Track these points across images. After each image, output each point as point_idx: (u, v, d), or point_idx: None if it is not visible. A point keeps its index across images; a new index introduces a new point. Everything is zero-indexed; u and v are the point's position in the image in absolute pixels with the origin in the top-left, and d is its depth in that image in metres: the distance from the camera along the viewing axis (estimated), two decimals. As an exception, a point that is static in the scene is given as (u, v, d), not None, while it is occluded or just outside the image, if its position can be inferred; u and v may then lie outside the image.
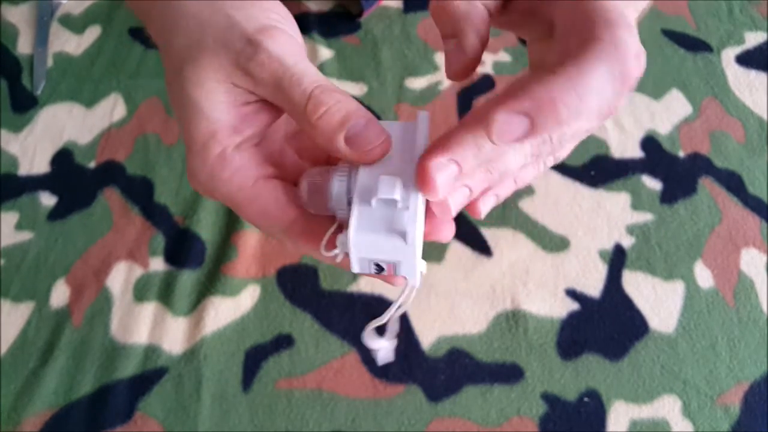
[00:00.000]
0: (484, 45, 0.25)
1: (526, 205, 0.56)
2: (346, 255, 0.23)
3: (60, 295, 0.52)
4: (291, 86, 0.22)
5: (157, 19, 0.25)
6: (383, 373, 0.50)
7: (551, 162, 0.26)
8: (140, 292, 0.52)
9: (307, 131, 0.23)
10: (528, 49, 0.29)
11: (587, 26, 0.22)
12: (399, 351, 0.50)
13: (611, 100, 0.22)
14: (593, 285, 0.53)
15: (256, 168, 0.24)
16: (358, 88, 0.62)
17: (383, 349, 0.37)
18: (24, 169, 0.58)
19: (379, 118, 0.60)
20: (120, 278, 0.52)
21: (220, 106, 0.23)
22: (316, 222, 0.24)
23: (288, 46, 0.23)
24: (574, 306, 0.52)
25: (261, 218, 0.24)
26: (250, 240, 0.54)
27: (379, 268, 0.23)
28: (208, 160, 0.23)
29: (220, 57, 0.23)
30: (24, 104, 0.61)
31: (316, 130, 0.22)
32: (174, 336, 0.50)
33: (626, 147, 0.60)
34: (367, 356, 0.50)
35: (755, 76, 0.65)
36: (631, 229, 0.56)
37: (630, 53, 0.22)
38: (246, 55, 0.23)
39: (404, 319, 0.52)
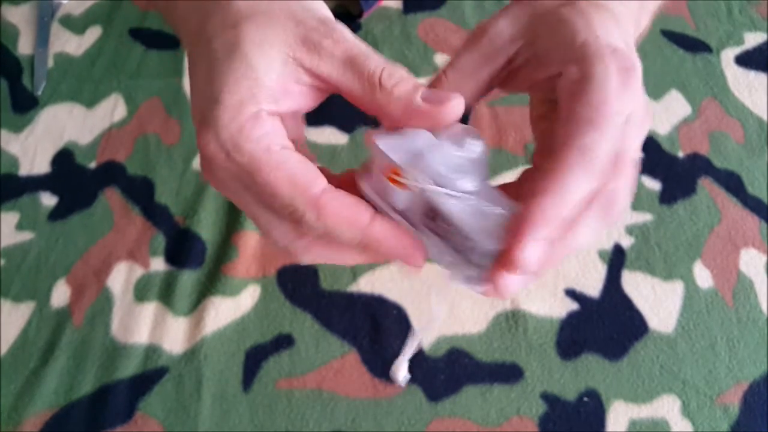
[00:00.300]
0: (476, 94, 0.28)
1: (526, 206, 0.57)
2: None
3: (60, 295, 0.52)
4: (365, 61, 0.24)
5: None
6: (383, 373, 0.50)
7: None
8: (141, 292, 0.52)
9: (379, 101, 0.24)
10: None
11: (568, 111, 0.25)
12: (399, 351, 0.51)
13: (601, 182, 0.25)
14: (593, 285, 0.53)
15: (285, 138, 0.24)
16: (358, 89, 0.62)
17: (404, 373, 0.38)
18: (24, 170, 0.58)
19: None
20: (121, 278, 0.53)
21: (271, 72, 0.23)
22: (349, 198, 0.24)
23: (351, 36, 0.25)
24: (573, 306, 0.53)
25: (286, 185, 0.23)
26: (250, 240, 0.54)
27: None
28: (241, 116, 0.23)
29: (287, 29, 0.24)
30: (24, 104, 0.61)
31: (392, 96, 0.24)
32: (174, 336, 0.50)
33: (626, 147, 0.60)
34: (366, 356, 0.50)
35: (755, 76, 0.65)
36: (630, 230, 0.56)
37: (599, 153, 0.24)
38: (320, 32, 0.24)
39: (404, 320, 0.52)
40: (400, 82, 0.24)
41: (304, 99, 0.25)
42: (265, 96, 0.23)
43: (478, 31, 0.28)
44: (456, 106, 0.24)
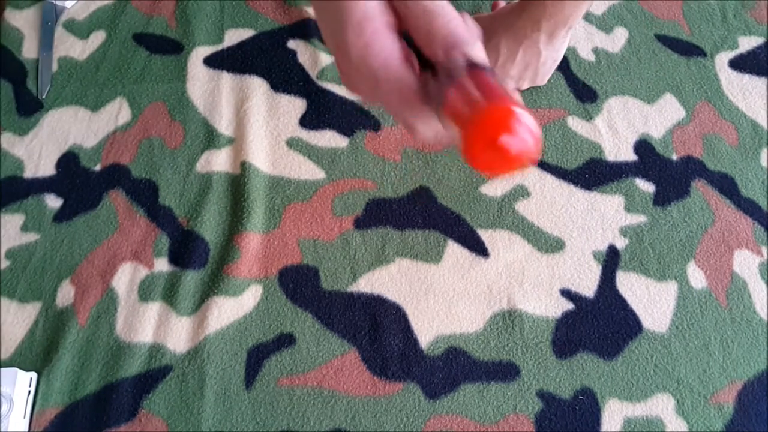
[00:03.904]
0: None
1: (522, 208, 0.57)
2: None
3: (65, 295, 0.53)
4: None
5: None
6: (382, 371, 0.50)
7: None
8: (145, 292, 0.53)
9: (435, 35, 0.29)
10: None
11: None
12: (398, 350, 0.51)
13: None
14: (587, 285, 0.54)
15: (399, 49, 0.29)
16: (357, 93, 0.63)
17: None
18: (30, 172, 0.58)
19: (378, 123, 0.61)
20: (125, 279, 0.53)
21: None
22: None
23: None
24: (568, 306, 0.53)
25: (396, 98, 0.28)
26: (252, 241, 0.54)
27: None
28: (364, 34, 0.28)
29: None
30: (29, 108, 0.62)
31: (438, 36, 0.29)
32: (178, 335, 0.51)
33: (620, 150, 0.61)
34: (366, 355, 0.51)
35: (748, 80, 0.65)
36: (624, 231, 0.57)
37: None
38: None
39: (403, 319, 0.53)
40: (436, 31, 0.29)
41: (394, 16, 0.30)
42: (377, 11, 0.28)
43: None
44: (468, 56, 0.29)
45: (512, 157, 0.24)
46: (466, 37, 0.28)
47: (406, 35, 0.31)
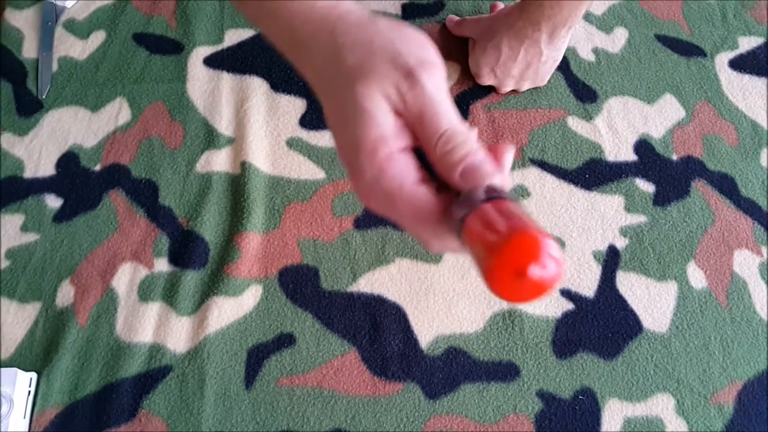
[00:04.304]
0: None
1: (522, 207, 0.57)
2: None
3: (65, 295, 0.53)
4: (431, 122, 0.27)
5: (321, 43, 0.29)
6: (382, 371, 0.50)
7: None
8: (145, 292, 0.53)
9: (433, 160, 0.28)
10: None
11: None
12: (398, 350, 0.51)
13: None
14: (587, 285, 0.54)
15: (415, 171, 0.28)
16: (357, 93, 0.63)
17: None
18: (30, 172, 0.58)
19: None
20: (125, 279, 0.53)
21: (387, 115, 0.28)
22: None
23: (439, 82, 0.28)
24: (568, 306, 0.53)
25: (411, 219, 0.28)
26: (252, 241, 0.54)
27: None
28: (377, 159, 0.27)
29: (387, 77, 0.27)
30: (29, 108, 0.62)
31: (441, 163, 0.27)
32: (178, 335, 0.51)
33: (620, 150, 0.61)
34: (366, 355, 0.51)
35: (748, 80, 0.65)
36: (624, 231, 0.57)
37: None
38: (405, 85, 0.27)
39: (403, 319, 0.53)
40: (452, 151, 0.27)
41: (410, 135, 0.29)
42: (392, 136, 0.28)
43: None
44: (489, 183, 0.27)
45: (538, 285, 0.24)
46: (488, 169, 0.28)
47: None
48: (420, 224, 0.28)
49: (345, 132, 0.29)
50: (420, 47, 0.28)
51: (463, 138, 0.28)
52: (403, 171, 0.28)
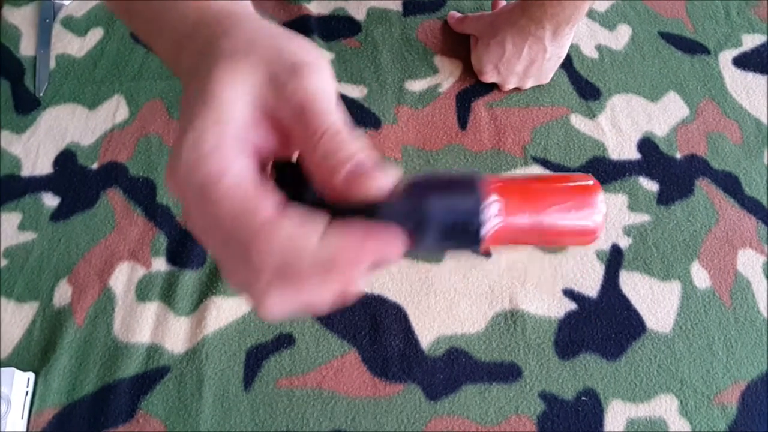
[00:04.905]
0: None
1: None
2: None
3: (63, 294, 0.52)
4: (313, 116, 0.23)
5: (200, 35, 0.26)
6: (383, 372, 0.50)
7: None
8: (142, 292, 0.52)
9: (313, 161, 0.23)
10: None
11: None
12: (398, 350, 0.51)
13: None
14: (590, 285, 0.54)
15: (250, 171, 0.23)
16: (358, 90, 0.63)
17: None
18: (27, 170, 0.58)
19: (378, 121, 0.61)
20: (123, 278, 0.53)
21: (237, 109, 0.23)
22: (295, 217, 0.22)
23: (325, 85, 0.24)
24: (571, 306, 0.53)
25: (229, 215, 0.22)
26: (251, 240, 0.54)
27: None
28: (200, 148, 0.22)
29: (260, 69, 0.23)
30: (27, 106, 0.61)
31: (324, 162, 0.22)
32: (176, 335, 0.51)
33: (623, 149, 0.60)
34: (366, 355, 0.51)
35: (752, 78, 0.65)
36: (628, 230, 0.56)
37: None
38: (286, 75, 0.23)
39: (404, 319, 0.52)
40: (336, 150, 0.22)
41: (273, 138, 0.25)
42: (232, 131, 0.23)
43: None
44: (374, 188, 0.22)
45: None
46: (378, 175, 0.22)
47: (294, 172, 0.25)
48: (238, 225, 0.21)
49: (182, 114, 0.24)
50: (308, 51, 0.25)
51: (351, 137, 0.23)
52: (230, 164, 0.22)
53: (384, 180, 0.22)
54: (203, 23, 0.26)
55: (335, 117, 0.23)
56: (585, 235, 0.23)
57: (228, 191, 0.21)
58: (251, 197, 0.22)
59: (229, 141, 0.22)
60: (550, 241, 0.23)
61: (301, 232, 0.21)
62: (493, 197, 0.22)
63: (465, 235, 0.21)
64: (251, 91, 0.23)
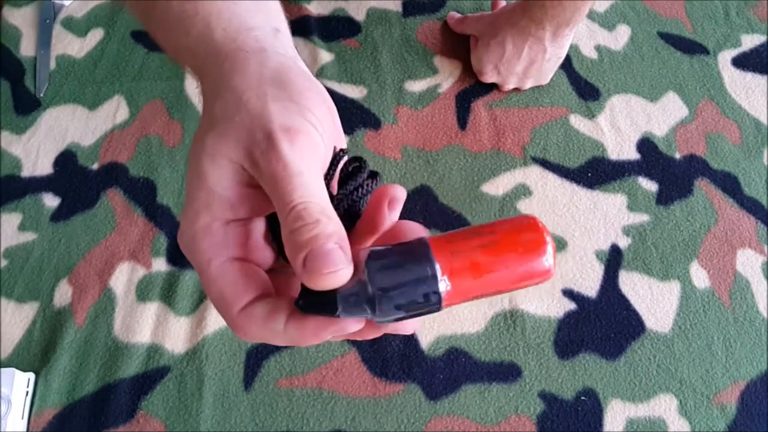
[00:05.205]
0: None
1: (524, 206, 0.57)
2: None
3: (63, 295, 0.52)
4: (283, 194, 0.23)
5: (209, 82, 0.26)
6: (383, 372, 0.50)
7: None
8: (143, 292, 0.52)
9: (283, 238, 0.23)
10: None
11: None
12: (398, 350, 0.51)
13: None
14: (590, 285, 0.54)
15: (233, 249, 0.25)
16: (358, 91, 0.63)
17: None
18: (27, 171, 0.58)
19: (378, 121, 0.61)
20: (123, 278, 0.53)
21: (224, 182, 0.24)
22: (263, 310, 0.24)
23: (304, 153, 0.24)
24: (571, 306, 0.53)
25: (216, 300, 0.24)
26: (251, 241, 0.54)
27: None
28: (195, 226, 0.24)
29: (239, 140, 0.24)
30: (27, 106, 0.61)
31: (287, 241, 0.22)
32: (176, 336, 0.51)
33: (622, 149, 0.60)
34: (366, 355, 0.51)
35: (751, 78, 0.65)
36: (627, 230, 0.56)
37: None
38: (260, 148, 0.23)
39: (404, 319, 0.52)
40: (297, 230, 0.22)
41: (262, 202, 0.25)
42: (219, 206, 0.24)
43: None
44: (330, 279, 0.22)
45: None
46: (337, 260, 0.22)
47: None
48: (223, 309, 0.24)
49: (186, 184, 0.25)
50: (300, 110, 0.24)
51: (317, 217, 0.22)
52: (218, 245, 0.24)
53: (337, 271, 0.22)
54: (210, 59, 0.27)
55: (305, 191, 0.23)
56: (539, 278, 0.23)
57: (213, 278, 0.24)
58: (227, 295, 0.24)
59: (215, 225, 0.24)
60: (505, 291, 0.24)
61: (268, 327, 0.23)
62: (442, 278, 0.23)
63: (423, 306, 0.23)
64: (234, 168, 0.24)
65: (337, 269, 0.22)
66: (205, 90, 0.27)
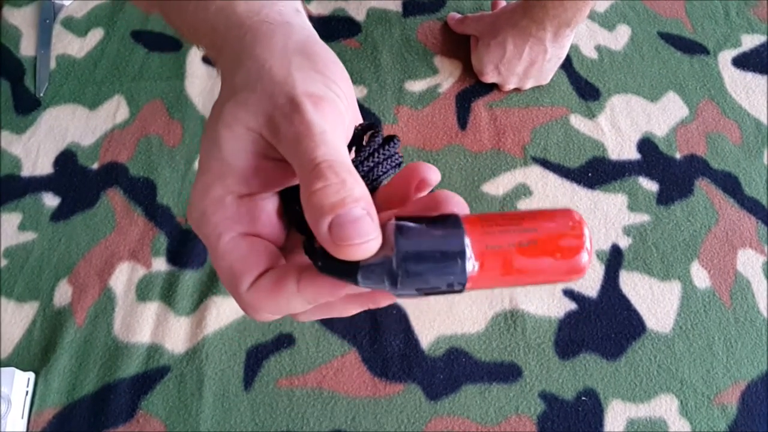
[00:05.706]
0: None
1: (524, 206, 0.57)
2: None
3: (63, 294, 0.52)
4: (305, 151, 0.21)
5: (230, 54, 0.25)
6: (383, 372, 0.50)
7: None
8: (143, 291, 0.52)
9: (303, 201, 0.21)
10: None
11: None
12: (398, 350, 0.51)
13: None
14: (590, 285, 0.54)
15: (245, 225, 0.24)
16: (358, 91, 0.63)
17: None
18: (27, 170, 0.58)
19: (378, 121, 0.61)
20: (123, 278, 0.53)
21: (240, 153, 0.23)
22: (269, 285, 0.23)
23: (328, 118, 0.22)
24: (571, 306, 0.53)
25: (224, 276, 0.24)
26: (251, 240, 0.54)
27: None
28: (206, 198, 0.23)
29: (260, 106, 0.23)
30: (27, 106, 0.61)
31: (308, 204, 0.20)
32: (176, 335, 0.51)
33: (623, 149, 0.60)
34: (366, 355, 0.51)
35: (752, 78, 0.65)
36: (628, 230, 0.56)
37: None
38: (283, 111, 0.22)
39: (404, 319, 0.52)
40: (322, 190, 0.20)
41: (278, 175, 0.24)
42: (233, 178, 0.23)
43: None
44: (360, 249, 0.20)
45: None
46: (368, 230, 0.20)
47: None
48: (231, 285, 0.23)
49: (201, 154, 0.24)
50: (324, 80, 0.23)
51: (345, 177, 0.20)
52: (229, 219, 0.23)
53: (368, 242, 0.20)
54: (231, 32, 0.26)
55: (330, 149, 0.21)
56: (568, 281, 0.22)
57: (223, 253, 0.23)
58: (236, 269, 0.23)
59: (228, 199, 0.23)
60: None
61: (280, 294, 0.22)
62: (471, 273, 0.21)
63: (445, 293, 0.22)
64: (251, 138, 0.23)
65: (368, 239, 0.20)
66: (225, 63, 0.26)
